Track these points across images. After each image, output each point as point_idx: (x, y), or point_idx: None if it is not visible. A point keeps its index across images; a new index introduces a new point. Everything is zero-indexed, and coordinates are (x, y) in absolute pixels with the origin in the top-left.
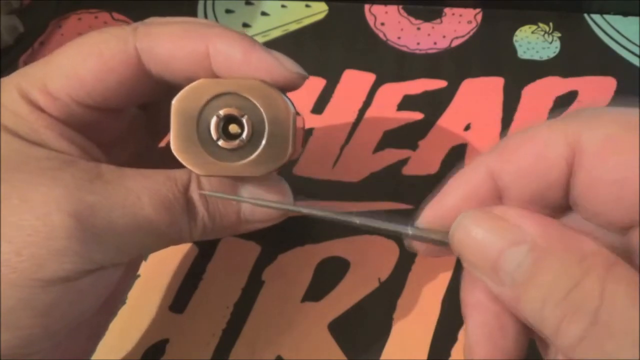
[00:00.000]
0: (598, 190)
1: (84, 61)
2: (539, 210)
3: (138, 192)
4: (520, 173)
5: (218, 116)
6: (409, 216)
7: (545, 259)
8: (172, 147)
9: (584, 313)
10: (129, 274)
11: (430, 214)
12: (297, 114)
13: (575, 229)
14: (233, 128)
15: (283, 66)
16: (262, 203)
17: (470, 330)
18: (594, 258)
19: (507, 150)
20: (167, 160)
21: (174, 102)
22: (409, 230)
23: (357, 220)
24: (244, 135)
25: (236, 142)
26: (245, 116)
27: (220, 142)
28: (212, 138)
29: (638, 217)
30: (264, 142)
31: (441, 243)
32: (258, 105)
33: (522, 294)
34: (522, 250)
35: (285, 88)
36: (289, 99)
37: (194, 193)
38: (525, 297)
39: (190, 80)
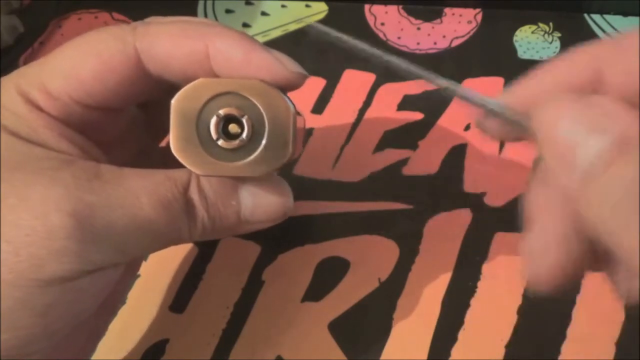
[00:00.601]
0: None
1: (83, 61)
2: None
3: (137, 192)
4: (630, 75)
5: (218, 116)
6: (409, 215)
7: (629, 153)
8: (172, 146)
9: None
10: (129, 274)
11: (519, 91)
12: (298, 113)
13: None
14: (233, 128)
15: (283, 66)
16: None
17: (538, 235)
18: None
19: (621, 48)
20: (168, 160)
21: (173, 101)
22: (489, 105)
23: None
24: (244, 135)
25: (236, 142)
26: (245, 116)
27: (220, 142)
28: (211, 138)
29: None
30: (264, 142)
31: (519, 125)
32: (258, 105)
33: (592, 188)
34: (605, 140)
35: (286, 88)
36: (289, 98)
37: (194, 193)
38: (595, 193)
39: (190, 79)
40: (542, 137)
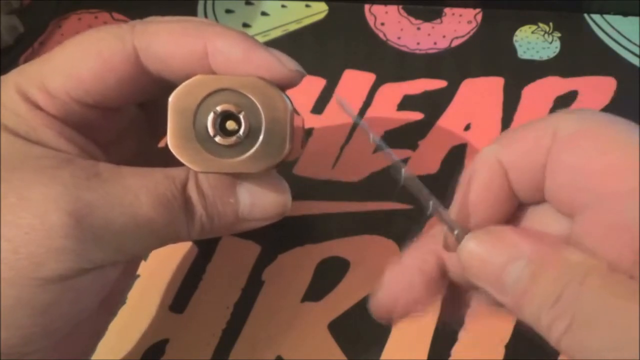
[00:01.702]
0: (556, 173)
1: (82, 60)
2: (538, 195)
3: (136, 190)
4: (518, 160)
5: (215, 112)
6: (408, 215)
7: (539, 273)
8: (169, 143)
9: (567, 314)
10: (129, 274)
11: (454, 215)
12: (297, 113)
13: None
14: (230, 124)
15: (282, 64)
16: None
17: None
18: (577, 267)
19: (507, 139)
20: (168, 160)
21: (170, 98)
22: (431, 206)
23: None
24: (241, 131)
25: (233, 139)
26: (243, 112)
27: (217, 139)
28: (209, 134)
29: (581, 202)
30: (261, 138)
31: (456, 235)
32: (255, 101)
33: (522, 303)
34: (519, 266)
35: (284, 85)
36: (286, 95)
37: (192, 191)
38: (525, 305)
39: (189, 78)
40: (468, 270)
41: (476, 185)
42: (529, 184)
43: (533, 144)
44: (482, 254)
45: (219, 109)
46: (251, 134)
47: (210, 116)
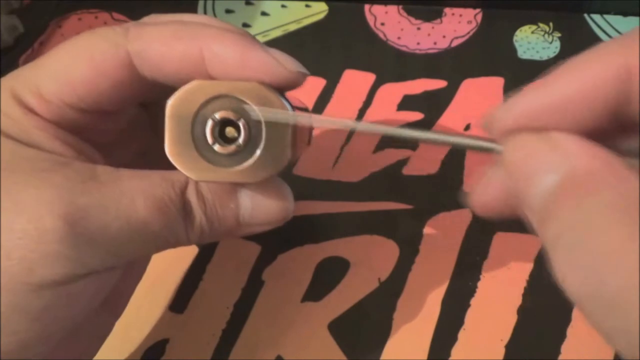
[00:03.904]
0: None
1: (75, 65)
2: None
3: (133, 194)
4: None
5: (214, 119)
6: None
7: (577, 192)
8: (167, 151)
9: (597, 271)
10: (135, 276)
11: (527, 104)
12: (306, 110)
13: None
14: (230, 131)
15: (282, 66)
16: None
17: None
18: (633, 210)
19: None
20: None
21: (167, 104)
22: (451, 139)
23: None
24: (241, 139)
25: (232, 147)
26: (242, 119)
27: (216, 147)
28: (207, 142)
29: None
30: (261, 146)
31: (490, 150)
32: (255, 108)
33: (543, 221)
34: (555, 177)
35: (286, 87)
36: (288, 101)
37: (191, 195)
38: (544, 226)
39: (185, 82)
40: (508, 170)
41: (576, 83)
42: None
43: None
44: (523, 151)
45: (217, 116)
46: (251, 142)
47: (209, 123)
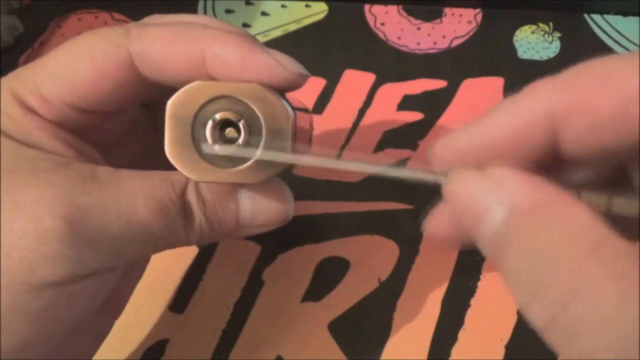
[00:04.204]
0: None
1: (75, 66)
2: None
3: (133, 194)
4: (581, 107)
5: (214, 120)
6: (409, 215)
7: (525, 226)
8: (167, 151)
9: (556, 299)
10: (135, 277)
11: (463, 143)
12: (307, 111)
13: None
14: (230, 132)
15: (283, 67)
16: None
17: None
18: (581, 236)
19: (569, 83)
20: None
21: (167, 105)
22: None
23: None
24: (241, 140)
25: (232, 148)
26: (242, 120)
27: (216, 148)
28: (207, 143)
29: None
30: (261, 147)
31: (436, 182)
32: (255, 109)
33: (495, 255)
34: (501, 212)
35: (287, 89)
36: (288, 102)
37: (191, 196)
38: (499, 259)
39: (186, 83)
40: (452, 204)
41: (509, 123)
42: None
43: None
44: (466, 189)
45: (217, 117)
46: (251, 143)
47: (209, 124)
